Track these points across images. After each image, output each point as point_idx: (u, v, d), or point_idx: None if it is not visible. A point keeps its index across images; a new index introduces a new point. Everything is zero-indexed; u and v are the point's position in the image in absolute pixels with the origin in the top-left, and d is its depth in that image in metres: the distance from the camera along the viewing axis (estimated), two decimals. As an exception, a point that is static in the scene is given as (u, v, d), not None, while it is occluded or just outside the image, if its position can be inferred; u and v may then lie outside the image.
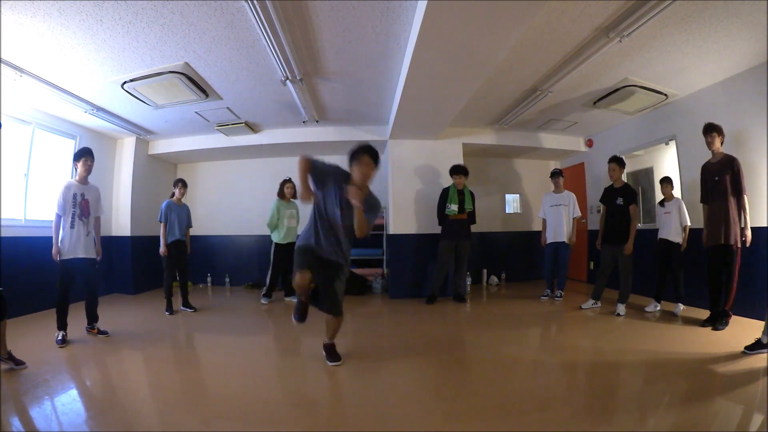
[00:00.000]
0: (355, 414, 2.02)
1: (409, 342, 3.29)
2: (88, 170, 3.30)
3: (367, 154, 2.42)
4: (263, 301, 4.98)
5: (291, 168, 6.31)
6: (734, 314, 3.35)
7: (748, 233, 3.21)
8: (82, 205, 3.26)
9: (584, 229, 6.02)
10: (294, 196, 4.93)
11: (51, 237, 3.16)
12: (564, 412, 2.00)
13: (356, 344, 3.19)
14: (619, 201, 4.06)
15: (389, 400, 2.20)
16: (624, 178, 5.43)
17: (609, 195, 4.20)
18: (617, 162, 4.14)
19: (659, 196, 4.21)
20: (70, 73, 3.56)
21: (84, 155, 3.27)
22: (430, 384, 2.48)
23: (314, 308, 2.66)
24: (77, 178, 3.30)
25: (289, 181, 4.99)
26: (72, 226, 3.18)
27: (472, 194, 4.90)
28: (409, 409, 2.02)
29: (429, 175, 5.36)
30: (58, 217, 3.17)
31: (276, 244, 4.86)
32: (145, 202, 5.78)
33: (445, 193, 4.84)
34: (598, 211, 4.33)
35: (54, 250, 3.13)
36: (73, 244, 3.18)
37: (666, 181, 4.07)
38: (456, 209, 4.73)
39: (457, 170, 4.80)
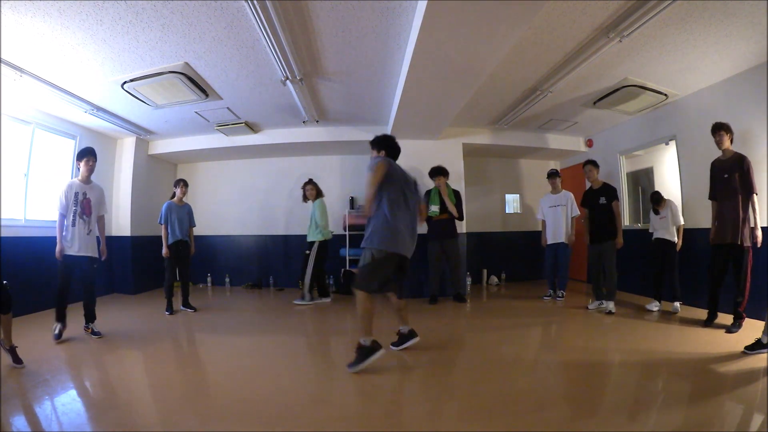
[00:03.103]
0: (355, 414, 2.02)
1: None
2: (90, 170, 3.33)
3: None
4: (299, 301, 4.88)
5: (291, 168, 6.41)
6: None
7: (759, 233, 3.16)
8: (84, 204, 3.29)
9: (584, 229, 6.00)
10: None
11: (51, 237, 3.20)
12: (565, 412, 2.00)
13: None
14: (602, 200, 4.18)
15: (390, 401, 2.21)
16: (624, 178, 5.48)
17: (591, 196, 4.32)
18: (593, 164, 4.35)
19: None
20: (70, 73, 3.56)
21: (87, 155, 3.30)
22: (430, 384, 2.47)
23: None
24: (80, 177, 3.33)
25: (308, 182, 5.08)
26: (73, 225, 3.22)
27: (455, 192, 4.89)
28: (410, 410, 2.02)
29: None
30: (62, 216, 3.21)
31: (321, 242, 4.83)
32: (145, 202, 5.79)
33: (427, 195, 4.86)
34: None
35: (58, 248, 3.17)
36: (74, 243, 3.21)
37: (656, 197, 4.15)
38: (437, 210, 4.75)
39: (435, 172, 4.79)
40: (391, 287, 2.83)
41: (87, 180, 3.35)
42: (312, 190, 4.99)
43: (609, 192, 4.19)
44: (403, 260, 2.69)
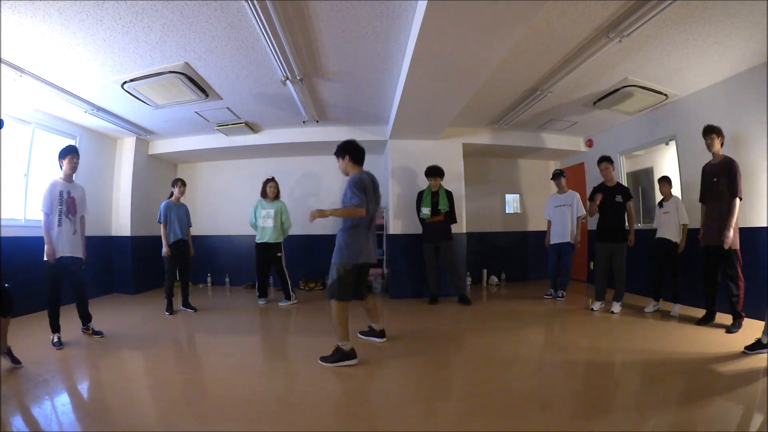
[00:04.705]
0: (355, 414, 2.02)
1: (410, 342, 3.29)
2: (73, 168, 3.23)
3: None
4: (284, 302, 4.93)
5: (291, 168, 6.41)
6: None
7: (730, 235, 3.16)
8: (69, 203, 3.18)
9: (584, 229, 6.01)
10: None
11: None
12: (565, 411, 2.00)
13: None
14: (619, 198, 4.10)
15: (390, 400, 2.20)
16: (624, 178, 5.48)
17: (605, 194, 4.19)
18: (609, 161, 4.21)
19: (659, 195, 4.21)
20: (70, 73, 3.56)
21: (70, 153, 3.20)
22: (431, 384, 2.47)
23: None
24: (63, 176, 3.22)
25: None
26: (60, 224, 3.09)
27: (448, 194, 4.80)
28: (411, 410, 2.02)
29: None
30: (47, 216, 3.06)
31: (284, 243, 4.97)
32: (145, 202, 5.79)
33: (419, 196, 4.84)
34: (591, 199, 4.27)
35: (48, 250, 3.00)
36: (61, 243, 3.08)
37: (664, 180, 4.07)
38: (429, 212, 4.71)
39: (431, 172, 4.74)
40: (363, 292, 3.02)
41: (70, 179, 3.25)
42: (275, 189, 5.00)
43: (624, 192, 4.13)
44: (366, 266, 2.89)
